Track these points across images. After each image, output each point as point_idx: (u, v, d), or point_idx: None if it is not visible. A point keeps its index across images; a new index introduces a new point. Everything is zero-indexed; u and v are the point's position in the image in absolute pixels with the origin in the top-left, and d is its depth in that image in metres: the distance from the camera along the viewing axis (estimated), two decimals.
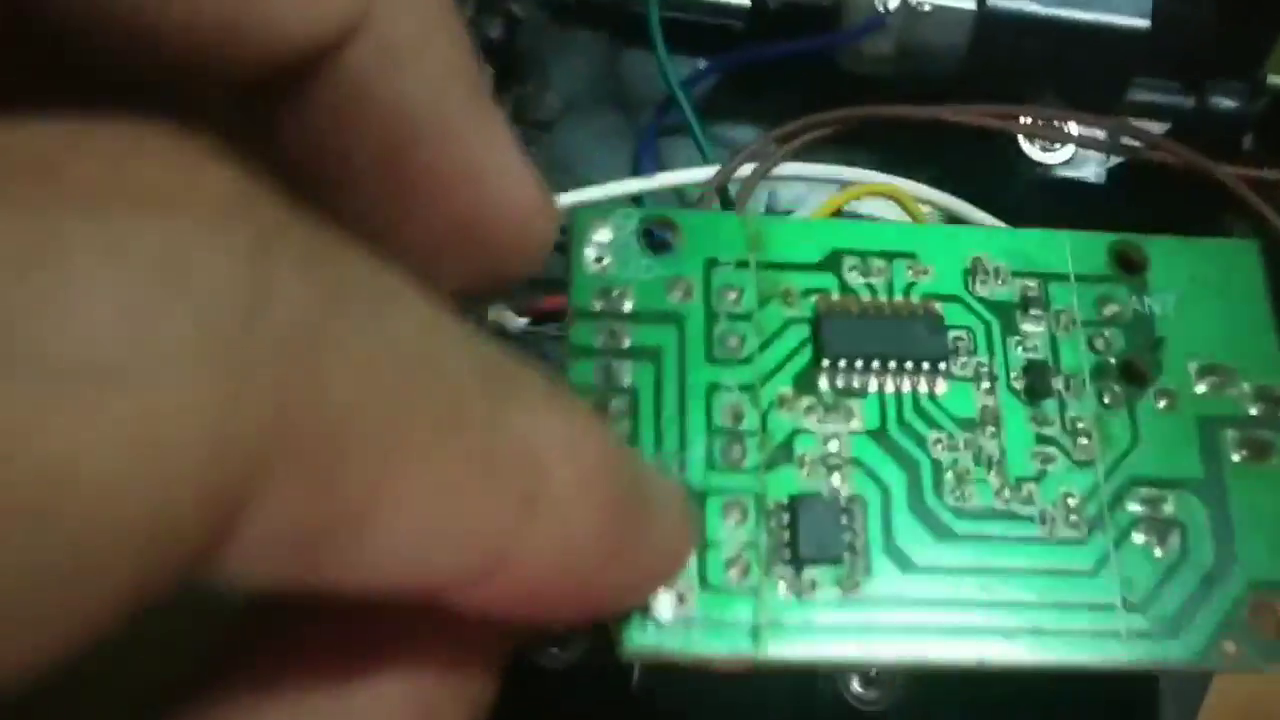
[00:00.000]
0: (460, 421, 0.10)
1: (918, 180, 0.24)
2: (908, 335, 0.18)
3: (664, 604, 0.16)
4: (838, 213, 0.24)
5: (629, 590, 0.13)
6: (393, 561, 0.10)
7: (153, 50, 0.10)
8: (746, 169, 0.22)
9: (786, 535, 0.16)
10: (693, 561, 0.16)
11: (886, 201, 0.22)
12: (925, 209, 0.22)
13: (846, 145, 0.21)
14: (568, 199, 0.22)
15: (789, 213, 0.22)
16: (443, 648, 0.11)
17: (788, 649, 0.16)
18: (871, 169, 0.22)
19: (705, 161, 0.23)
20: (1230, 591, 0.17)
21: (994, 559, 0.17)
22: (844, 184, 0.22)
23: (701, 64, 0.24)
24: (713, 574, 0.16)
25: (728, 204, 0.23)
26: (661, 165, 0.25)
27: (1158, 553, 0.17)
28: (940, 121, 0.21)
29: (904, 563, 0.17)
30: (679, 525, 0.14)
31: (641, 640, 0.15)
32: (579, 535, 0.11)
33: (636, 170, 0.23)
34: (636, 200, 0.24)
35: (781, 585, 0.16)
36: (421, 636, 0.11)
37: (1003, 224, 0.21)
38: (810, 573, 0.16)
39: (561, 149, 0.23)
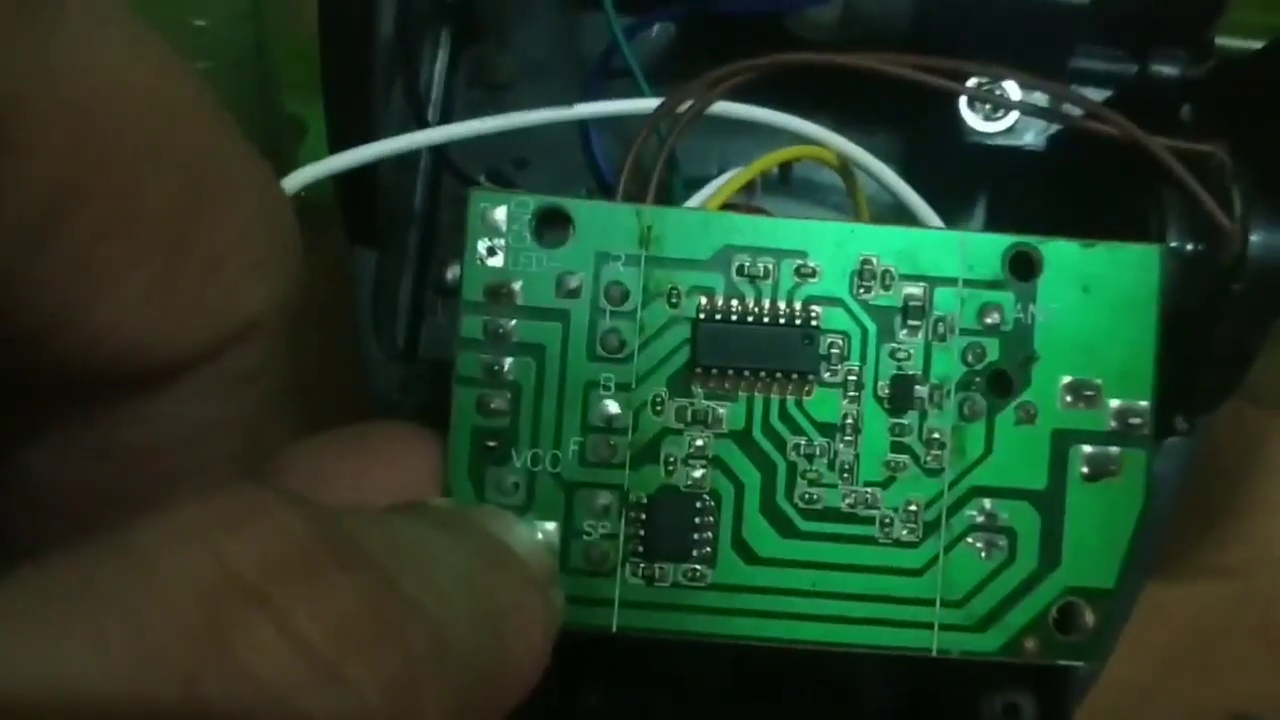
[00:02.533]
0: None
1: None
2: (781, 347, 0.18)
3: None
4: (784, 165, 0.24)
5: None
6: None
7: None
8: (684, 108, 0.21)
9: (642, 531, 0.18)
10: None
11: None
12: (861, 177, 0.22)
13: (793, 104, 0.21)
14: (503, 122, 0.22)
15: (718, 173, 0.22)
16: None
17: (637, 622, 0.18)
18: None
19: (645, 94, 0.22)
20: (1046, 595, 0.19)
21: (831, 556, 0.19)
22: (784, 132, 0.22)
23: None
24: (574, 560, 0.18)
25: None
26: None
27: (985, 557, 0.19)
28: (875, 71, 0.20)
29: (748, 555, 0.19)
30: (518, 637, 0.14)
31: None
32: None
33: (586, 138, 0.23)
34: (583, 132, 0.24)
35: (634, 571, 0.18)
36: None
37: (930, 210, 0.21)
38: (660, 565, 0.18)
39: (516, 110, 0.22)
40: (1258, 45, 0.23)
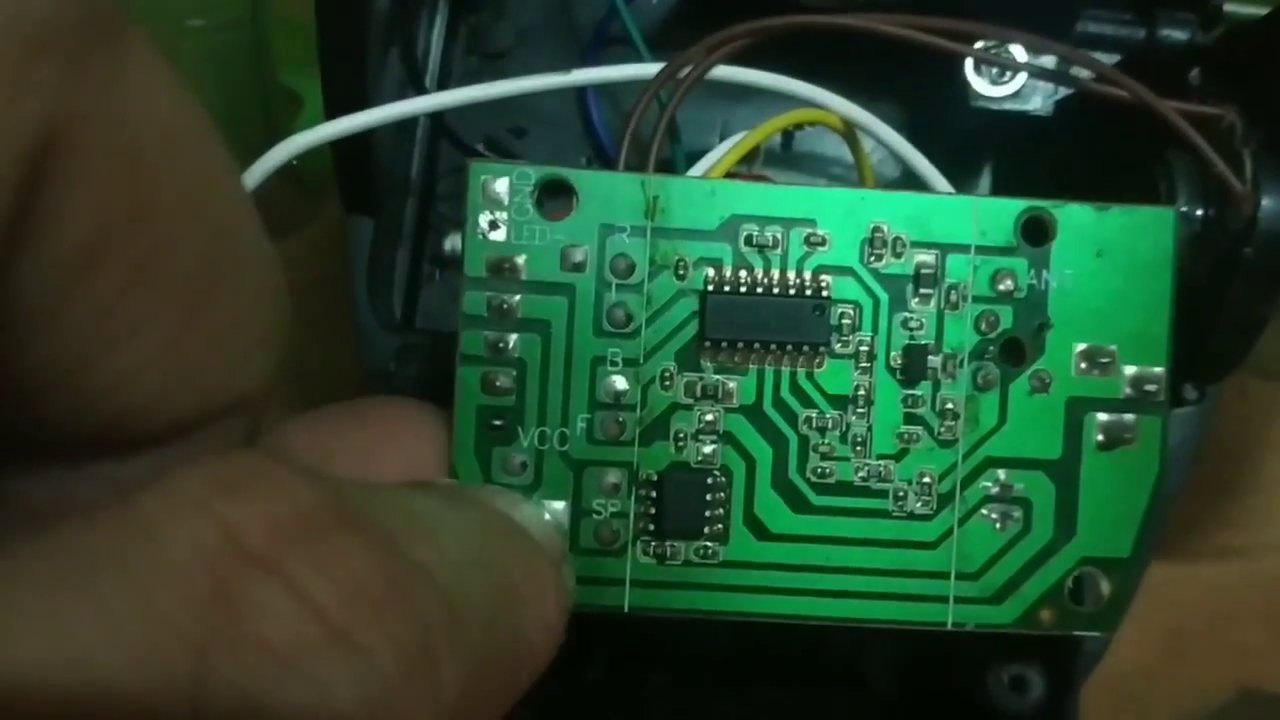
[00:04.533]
0: None
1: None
2: (791, 318, 0.18)
3: None
4: (786, 134, 0.23)
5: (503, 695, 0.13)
6: None
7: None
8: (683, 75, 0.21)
9: (653, 509, 0.18)
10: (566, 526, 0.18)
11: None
12: (867, 142, 0.21)
13: (795, 69, 0.20)
14: (501, 88, 0.21)
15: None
16: None
17: (649, 601, 0.18)
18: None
19: (645, 61, 0.22)
20: (1061, 565, 0.18)
21: (844, 531, 0.18)
22: (787, 97, 0.21)
23: None
24: (584, 539, 0.18)
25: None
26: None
27: (1000, 529, 0.18)
28: (878, 33, 0.20)
29: (761, 531, 0.18)
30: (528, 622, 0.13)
31: None
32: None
33: (585, 106, 0.22)
34: (582, 100, 0.23)
35: (645, 550, 0.18)
36: None
37: (939, 175, 0.20)
38: (672, 543, 0.18)
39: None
40: (1264, 11, 0.22)
